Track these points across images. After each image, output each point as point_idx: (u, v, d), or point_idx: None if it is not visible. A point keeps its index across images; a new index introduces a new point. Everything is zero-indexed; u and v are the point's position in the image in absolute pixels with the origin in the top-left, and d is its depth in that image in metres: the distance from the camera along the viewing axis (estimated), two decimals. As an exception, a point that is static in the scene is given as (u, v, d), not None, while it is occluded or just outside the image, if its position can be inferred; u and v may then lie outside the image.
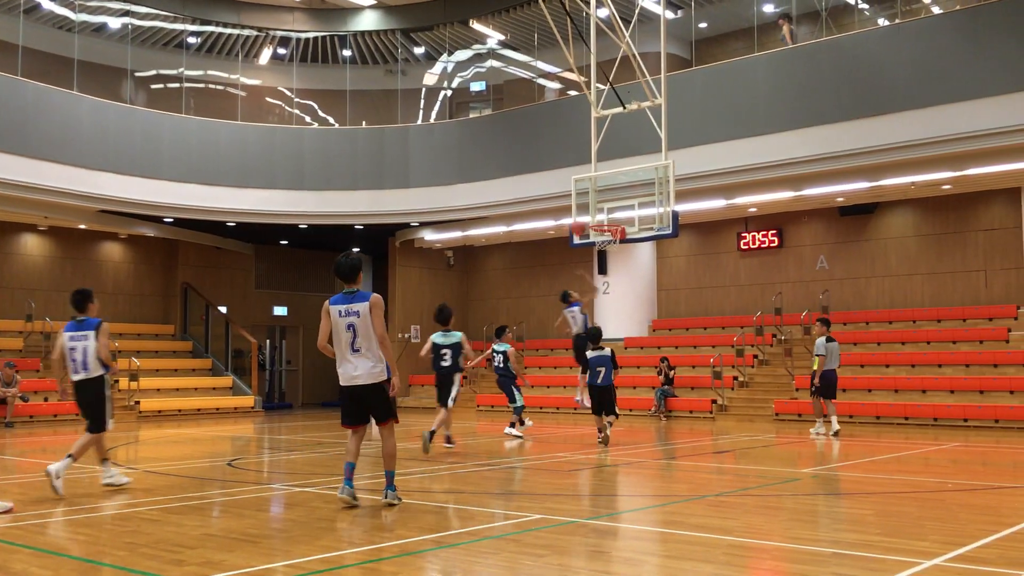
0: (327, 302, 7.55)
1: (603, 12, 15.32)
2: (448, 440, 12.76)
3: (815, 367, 14.47)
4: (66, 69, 20.89)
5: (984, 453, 12.53)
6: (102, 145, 19.85)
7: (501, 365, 14.72)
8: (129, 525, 7.00)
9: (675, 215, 13.33)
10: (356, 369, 7.40)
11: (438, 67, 25.38)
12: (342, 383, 7.50)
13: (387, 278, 25.74)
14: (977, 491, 8.70)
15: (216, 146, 21.59)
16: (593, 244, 14.09)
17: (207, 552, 5.83)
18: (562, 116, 20.35)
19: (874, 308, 20.20)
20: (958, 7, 17.56)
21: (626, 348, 21.86)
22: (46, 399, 19.67)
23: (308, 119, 25.14)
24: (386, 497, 7.54)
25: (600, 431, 13.45)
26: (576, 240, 14.27)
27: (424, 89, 25.54)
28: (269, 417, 21.66)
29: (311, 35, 23.91)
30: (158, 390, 21.57)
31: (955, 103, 15.41)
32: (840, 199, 19.22)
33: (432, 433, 11.74)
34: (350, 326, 7.39)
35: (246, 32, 23.62)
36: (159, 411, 20.75)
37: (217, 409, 21.97)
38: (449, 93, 25.80)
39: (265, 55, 24.70)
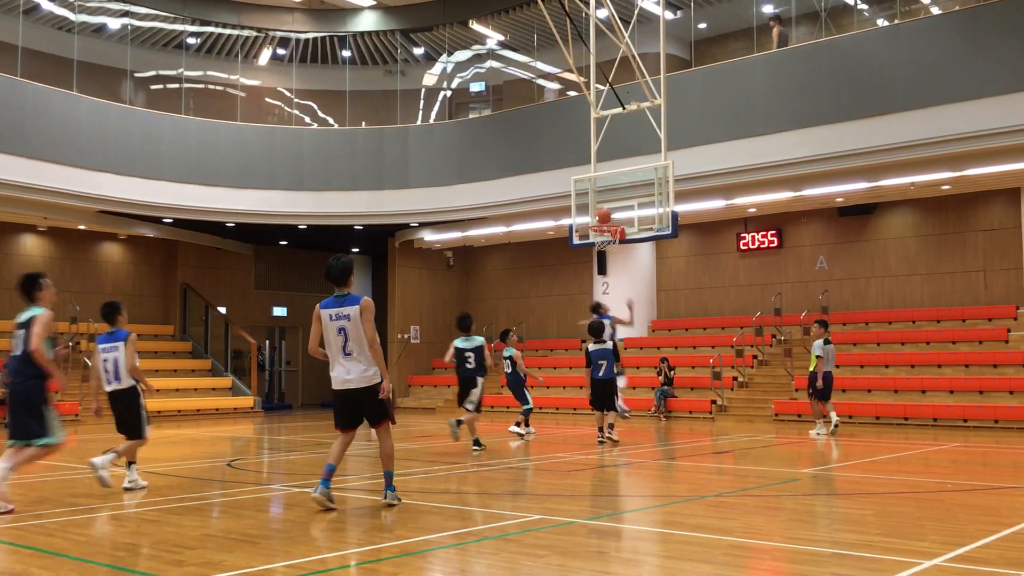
0: (318, 306, 7.48)
1: (602, 13, 15.32)
2: (477, 443, 12.58)
3: (812, 368, 14.50)
4: (66, 70, 20.89)
5: (984, 453, 12.53)
6: (102, 146, 19.85)
7: (509, 369, 14.79)
8: (129, 526, 7.00)
9: (675, 215, 13.33)
10: (348, 373, 7.36)
11: (438, 68, 25.38)
12: (334, 387, 7.46)
13: (387, 279, 25.75)
14: (977, 491, 8.70)
15: (216, 147, 21.59)
16: (593, 244, 14.09)
17: (207, 552, 5.82)
18: (562, 116, 20.35)
19: (873, 308, 20.21)
20: (957, 7, 17.57)
21: (626, 348, 21.85)
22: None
23: (308, 119, 25.15)
24: (385, 497, 7.53)
25: (600, 430, 13.46)
26: (576, 240, 14.27)
27: (424, 90, 25.54)
28: (269, 418, 21.66)
29: (311, 36, 23.92)
30: (158, 390, 21.45)
31: (955, 103, 15.41)
32: (840, 199, 19.22)
33: (459, 422, 12.33)
34: (341, 330, 7.32)
35: (246, 33, 23.63)
36: (159, 411, 20.72)
37: (217, 410, 21.97)
38: (449, 94, 25.81)
39: (265, 56, 24.71)
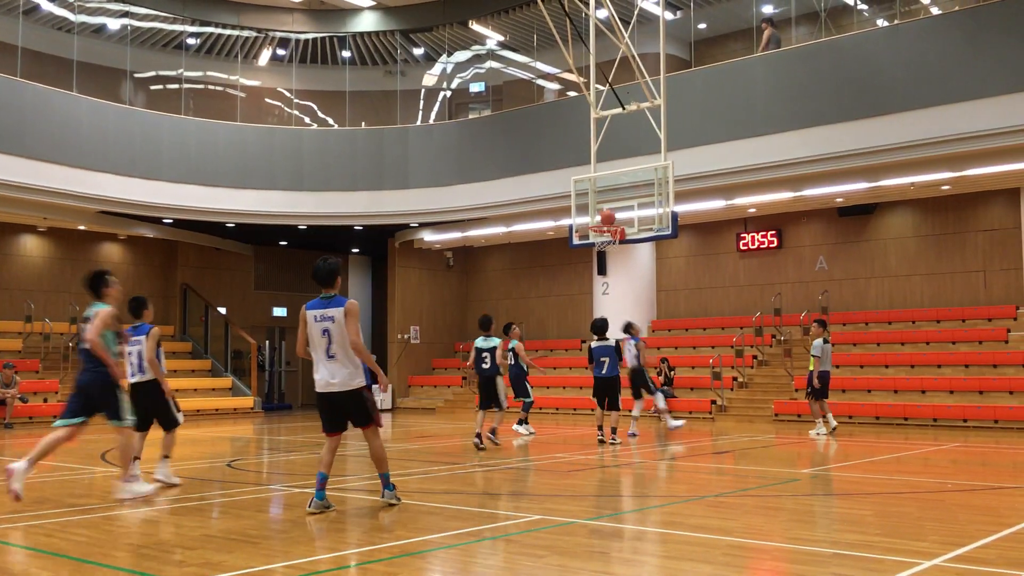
0: (304, 307, 7.39)
1: (602, 13, 15.32)
2: (493, 432, 13.02)
3: (811, 367, 14.53)
4: (65, 70, 20.89)
5: (984, 453, 12.53)
6: (101, 146, 19.85)
7: (512, 362, 14.94)
8: (128, 526, 7.00)
9: (674, 216, 13.33)
10: (332, 376, 7.23)
11: (437, 68, 25.38)
12: (317, 389, 7.33)
13: (386, 279, 25.75)
14: (977, 491, 8.70)
15: (215, 147, 21.60)
16: (592, 245, 14.09)
17: (206, 553, 5.82)
18: (561, 117, 20.35)
19: (873, 309, 20.21)
20: (957, 7, 17.58)
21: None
22: (45, 400, 19.68)
23: (307, 120, 25.15)
24: (383, 497, 7.51)
25: (599, 428, 13.49)
26: (576, 241, 14.27)
27: (423, 90, 25.54)
28: (268, 418, 21.66)
29: (310, 36, 23.92)
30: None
31: (954, 103, 15.41)
32: (839, 200, 19.22)
33: (494, 430, 12.87)
34: (325, 331, 7.21)
35: (245, 33, 23.63)
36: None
37: (216, 410, 21.96)
38: (448, 94, 25.81)
39: (264, 56, 24.71)
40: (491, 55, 24.50)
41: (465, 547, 6.05)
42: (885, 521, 6.90)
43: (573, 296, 24.70)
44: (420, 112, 25.22)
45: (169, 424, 9.14)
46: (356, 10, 23.51)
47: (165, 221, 22.18)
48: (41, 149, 18.73)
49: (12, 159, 18.22)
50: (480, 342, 13.18)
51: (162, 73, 23.95)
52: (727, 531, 6.44)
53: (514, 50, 24.11)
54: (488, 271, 26.69)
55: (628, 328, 15.73)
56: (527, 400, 15.12)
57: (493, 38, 23.84)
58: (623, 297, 22.49)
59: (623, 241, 13.95)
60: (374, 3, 23.15)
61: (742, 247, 22.11)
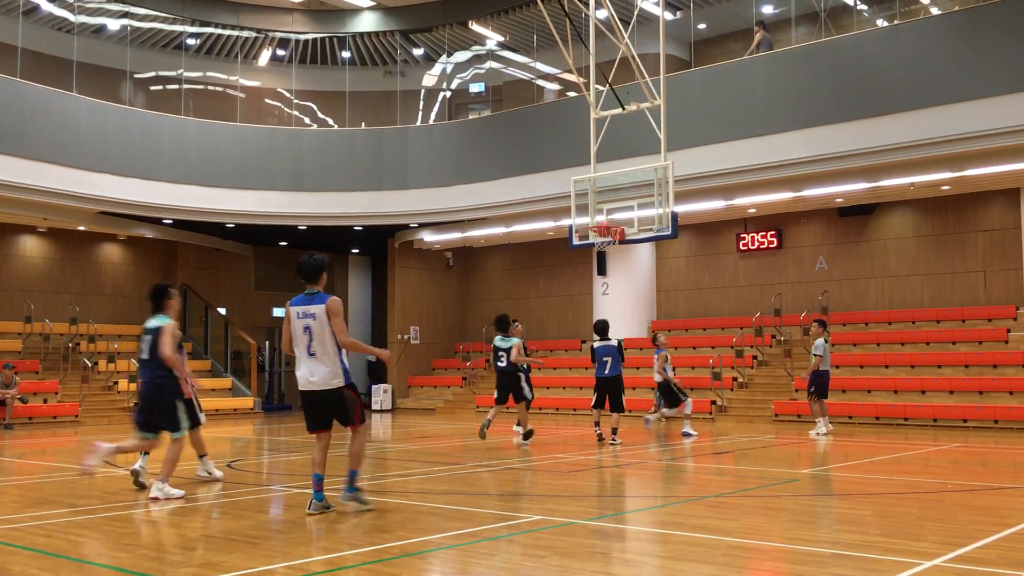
0: (288, 303, 7.29)
1: (602, 13, 15.32)
2: (526, 436, 13.47)
3: (812, 367, 14.53)
4: (65, 71, 20.90)
5: (983, 454, 12.53)
6: (101, 146, 19.85)
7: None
8: (129, 526, 7.00)
9: (674, 216, 13.33)
10: (312, 374, 7.12)
11: (437, 68, 25.39)
12: (299, 387, 7.24)
13: (386, 279, 25.76)
14: (977, 492, 8.70)
15: (215, 147, 21.60)
16: (592, 245, 14.10)
17: (207, 553, 5.82)
18: (561, 117, 20.35)
19: (873, 309, 20.21)
20: (957, 8, 17.59)
21: (626, 348, 21.79)
22: (45, 401, 19.68)
23: (307, 120, 25.15)
24: (341, 498, 7.31)
25: (597, 424, 13.55)
26: (576, 241, 14.28)
27: (423, 90, 25.55)
28: (268, 418, 21.66)
29: (310, 36, 23.92)
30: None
31: (954, 104, 15.42)
32: (839, 200, 19.22)
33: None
34: (307, 328, 7.09)
35: (245, 34, 23.63)
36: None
37: (216, 410, 21.94)
38: (448, 94, 25.82)
39: (264, 56, 24.71)
40: (491, 55, 24.51)
41: (465, 547, 6.05)
42: (885, 521, 6.90)
43: (573, 296, 24.71)
44: (420, 112, 25.23)
45: (194, 422, 9.09)
46: (356, 10, 23.51)
47: (165, 222, 22.18)
48: (41, 149, 18.73)
49: (12, 159, 18.22)
50: (499, 341, 13.51)
51: (162, 73, 23.95)
52: (727, 531, 6.44)
53: (514, 50, 24.12)
54: (488, 271, 26.69)
55: (655, 339, 16.04)
56: (527, 399, 15.19)
57: (493, 38, 23.85)
58: (623, 297, 22.51)
59: (623, 241, 13.97)
60: (374, 3, 23.15)
61: (742, 247, 22.11)
